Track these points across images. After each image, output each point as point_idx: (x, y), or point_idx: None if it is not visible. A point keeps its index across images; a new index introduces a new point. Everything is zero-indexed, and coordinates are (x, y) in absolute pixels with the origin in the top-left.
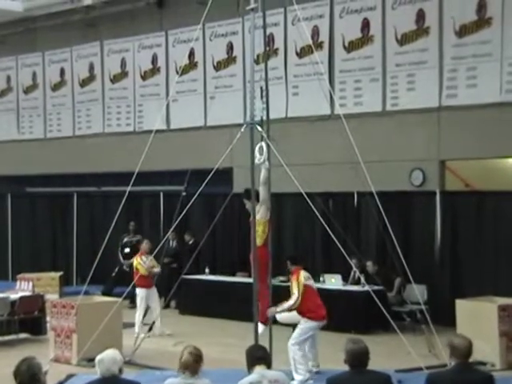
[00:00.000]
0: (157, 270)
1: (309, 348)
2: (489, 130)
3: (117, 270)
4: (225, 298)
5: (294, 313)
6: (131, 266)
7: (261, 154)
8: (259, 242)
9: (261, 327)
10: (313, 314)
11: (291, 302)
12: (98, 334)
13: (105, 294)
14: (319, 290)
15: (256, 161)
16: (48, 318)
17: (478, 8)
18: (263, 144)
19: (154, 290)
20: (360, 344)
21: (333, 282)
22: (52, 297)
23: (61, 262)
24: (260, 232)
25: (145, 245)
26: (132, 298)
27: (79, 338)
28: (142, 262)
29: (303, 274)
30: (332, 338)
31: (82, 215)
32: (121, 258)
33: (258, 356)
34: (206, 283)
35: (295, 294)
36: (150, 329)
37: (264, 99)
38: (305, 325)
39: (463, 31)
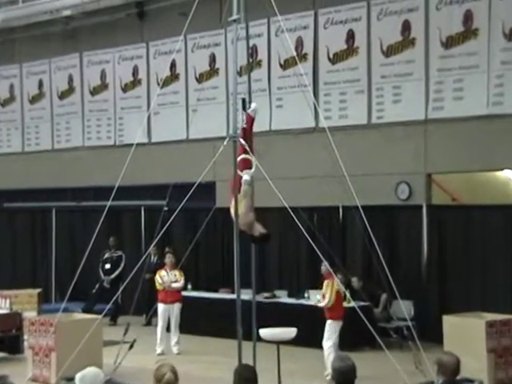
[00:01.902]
0: (176, 284)
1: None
2: (476, 143)
3: (97, 286)
4: (207, 314)
5: (278, 330)
6: (112, 282)
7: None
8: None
9: None
10: (336, 314)
11: (323, 303)
12: (78, 353)
13: (85, 311)
14: (303, 306)
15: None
16: (26, 337)
17: (464, 19)
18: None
19: (174, 306)
20: (347, 361)
21: (318, 298)
22: (30, 314)
23: (39, 279)
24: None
25: (166, 259)
26: (112, 315)
27: (58, 357)
28: (158, 277)
29: (337, 281)
30: (318, 355)
31: (61, 230)
32: (101, 275)
33: (246, 376)
34: (188, 299)
35: (327, 297)
36: (131, 346)
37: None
38: (333, 324)
39: (450, 42)
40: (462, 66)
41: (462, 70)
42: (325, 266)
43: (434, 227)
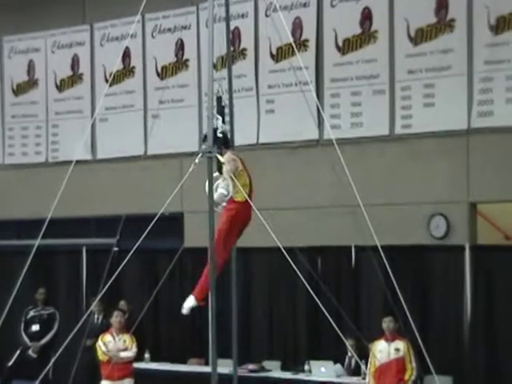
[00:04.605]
0: (125, 354)
1: None
2: None
3: (17, 355)
4: None
5: None
6: (41, 350)
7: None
8: (240, 197)
9: (191, 301)
10: None
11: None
12: None
13: None
14: (303, 383)
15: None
16: None
17: None
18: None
19: (123, 383)
20: None
21: (322, 371)
22: None
23: None
24: (241, 185)
25: (114, 318)
26: None
27: None
28: (102, 344)
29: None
30: None
31: None
32: (26, 339)
33: None
34: (145, 373)
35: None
36: None
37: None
38: None
39: (501, 25)
40: None
41: None
42: (392, 323)
43: (480, 275)
